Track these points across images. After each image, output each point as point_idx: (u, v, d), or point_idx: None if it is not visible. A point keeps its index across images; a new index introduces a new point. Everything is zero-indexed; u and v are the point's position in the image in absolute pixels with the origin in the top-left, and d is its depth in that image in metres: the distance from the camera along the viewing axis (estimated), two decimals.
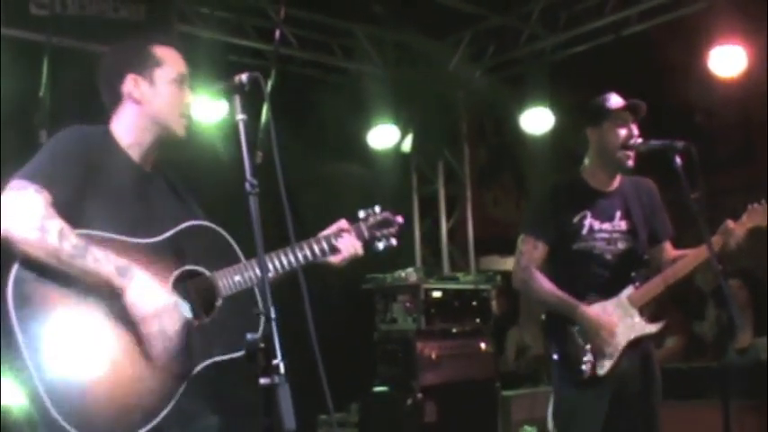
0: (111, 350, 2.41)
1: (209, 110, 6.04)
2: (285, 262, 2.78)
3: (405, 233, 3.12)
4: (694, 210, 3.50)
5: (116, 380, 2.39)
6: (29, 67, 5.58)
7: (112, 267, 2.40)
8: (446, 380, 6.40)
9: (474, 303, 6.85)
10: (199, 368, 2.54)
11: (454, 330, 6.65)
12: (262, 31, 7.07)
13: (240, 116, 2.41)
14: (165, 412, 2.44)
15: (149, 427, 2.40)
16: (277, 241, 2.68)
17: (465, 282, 7.05)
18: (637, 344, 3.94)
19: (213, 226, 2.73)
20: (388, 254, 3.09)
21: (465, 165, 8.68)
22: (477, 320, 6.83)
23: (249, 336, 2.17)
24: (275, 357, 2.14)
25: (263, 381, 2.13)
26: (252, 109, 2.47)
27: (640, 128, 3.99)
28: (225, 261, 2.68)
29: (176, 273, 2.59)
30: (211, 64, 5.54)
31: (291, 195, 2.37)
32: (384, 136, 7.78)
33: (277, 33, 6.92)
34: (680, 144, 3.66)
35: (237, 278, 2.65)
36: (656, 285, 3.98)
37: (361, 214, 3.06)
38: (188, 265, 2.62)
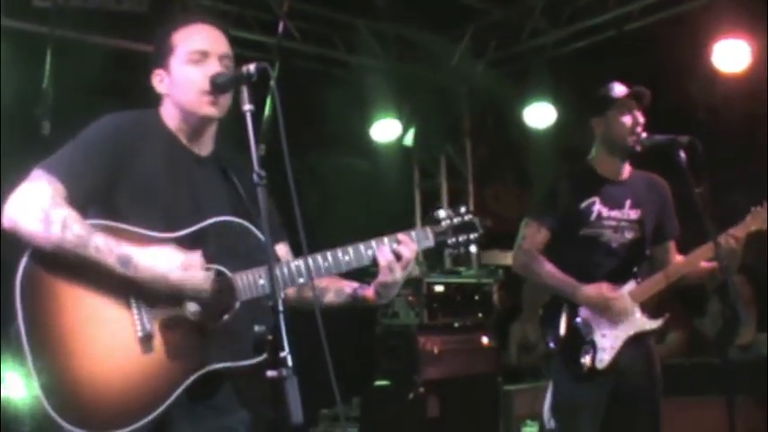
0: (112, 341, 2.38)
1: None
2: (323, 268, 2.63)
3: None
4: (699, 205, 3.49)
5: (117, 372, 2.37)
6: (31, 59, 5.57)
7: (114, 258, 2.35)
8: (448, 374, 6.40)
9: (476, 297, 6.86)
10: (210, 368, 2.45)
11: (456, 324, 6.66)
12: (264, 23, 7.05)
13: (247, 107, 2.35)
14: (168, 402, 2.39)
15: (149, 418, 2.36)
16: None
17: (467, 276, 7.06)
18: (637, 339, 3.93)
19: (245, 224, 2.59)
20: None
21: (467, 159, 8.69)
22: (480, 315, 6.84)
23: (257, 327, 2.14)
24: (282, 350, 2.11)
25: (270, 373, 2.10)
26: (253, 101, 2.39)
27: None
28: (252, 262, 2.53)
29: None
30: None
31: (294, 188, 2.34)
32: (386, 130, 7.76)
33: (280, 26, 6.92)
34: (684, 139, 3.66)
35: (262, 282, 2.51)
36: (657, 281, 3.96)
37: (441, 214, 2.78)
38: (207, 263, 2.48)
